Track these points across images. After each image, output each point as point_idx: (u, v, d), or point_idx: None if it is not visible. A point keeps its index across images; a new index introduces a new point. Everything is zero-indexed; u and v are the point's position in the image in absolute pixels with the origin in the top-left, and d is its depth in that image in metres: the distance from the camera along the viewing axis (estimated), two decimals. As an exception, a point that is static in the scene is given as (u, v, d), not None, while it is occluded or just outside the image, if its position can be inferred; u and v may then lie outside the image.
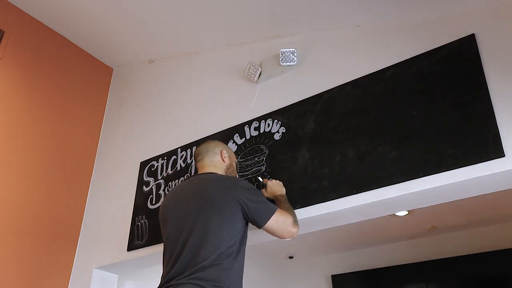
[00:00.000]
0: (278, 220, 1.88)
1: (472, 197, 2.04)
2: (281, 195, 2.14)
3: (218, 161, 2.11)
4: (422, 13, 2.31)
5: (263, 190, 2.21)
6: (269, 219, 1.86)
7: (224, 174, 2.09)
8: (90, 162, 3.40)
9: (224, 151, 2.15)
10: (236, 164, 2.24)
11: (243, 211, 1.85)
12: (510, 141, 1.81)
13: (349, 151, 2.20)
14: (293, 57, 2.60)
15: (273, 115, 2.58)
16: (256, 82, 2.76)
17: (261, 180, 2.35)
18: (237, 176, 2.21)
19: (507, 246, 4.17)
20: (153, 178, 2.94)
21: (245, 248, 1.88)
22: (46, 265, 2.90)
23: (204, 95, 3.06)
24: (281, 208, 1.96)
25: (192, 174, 2.29)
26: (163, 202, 2.10)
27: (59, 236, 3.03)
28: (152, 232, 2.73)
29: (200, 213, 1.83)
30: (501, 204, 3.87)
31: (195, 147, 2.83)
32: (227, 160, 2.14)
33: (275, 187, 2.18)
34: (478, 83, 1.96)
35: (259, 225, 1.88)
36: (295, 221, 1.94)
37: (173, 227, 1.90)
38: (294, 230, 1.91)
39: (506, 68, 1.94)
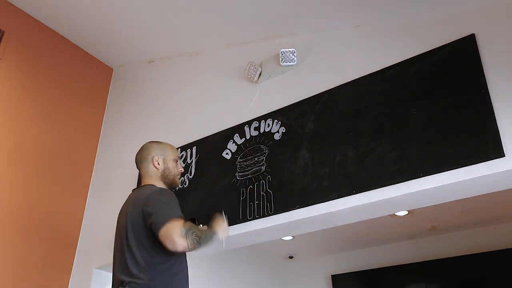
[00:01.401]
0: (168, 229, 1.78)
1: (472, 197, 2.04)
2: (214, 232, 1.95)
3: (152, 170, 2.12)
4: (422, 13, 2.31)
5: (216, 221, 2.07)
6: (160, 228, 1.80)
7: (160, 181, 2.10)
8: (90, 162, 3.40)
9: (156, 156, 2.13)
10: (176, 159, 2.18)
11: (146, 224, 1.88)
12: (510, 141, 1.81)
13: (349, 151, 2.20)
14: (293, 57, 2.61)
15: (273, 115, 2.58)
16: (256, 82, 2.76)
17: (224, 215, 2.12)
18: (179, 170, 2.17)
19: (507, 246, 4.17)
20: (153, 178, 2.93)
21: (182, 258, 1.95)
22: (46, 265, 2.90)
23: (204, 95, 3.07)
24: (189, 224, 1.85)
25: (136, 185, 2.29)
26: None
27: (59, 236, 3.03)
28: (152, 232, 2.73)
29: (126, 234, 1.95)
30: (501, 204, 3.87)
31: (195, 147, 2.84)
32: (160, 165, 2.12)
33: (219, 224, 2.00)
34: (478, 83, 1.96)
35: (156, 234, 1.83)
36: (187, 234, 1.77)
37: (116, 238, 2.11)
38: (178, 240, 1.75)
39: (506, 68, 1.94)
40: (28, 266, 2.80)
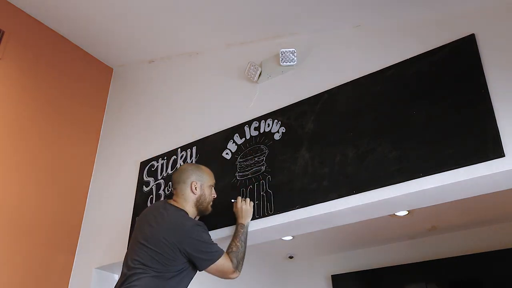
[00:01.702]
0: (218, 267, 2.04)
1: (472, 197, 2.04)
2: (241, 224, 2.24)
3: (188, 195, 2.19)
4: (422, 13, 2.31)
5: (234, 206, 2.34)
6: (209, 266, 2.03)
7: (193, 207, 2.19)
8: (90, 162, 3.40)
9: (195, 182, 2.21)
10: (212, 185, 2.29)
11: (185, 257, 2.03)
12: (510, 141, 1.81)
13: (349, 151, 2.20)
14: (293, 57, 2.61)
15: (273, 115, 2.58)
16: (256, 82, 2.76)
17: (233, 201, 2.37)
18: (213, 197, 2.28)
19: (507, 246, 4.16)
20: (153, 178, 2.94)
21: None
22: (46, 265, 2.90)
23: (204, 95, 3.07)
24: (230, 248, 2.12)
25: (166, 197, 2.41)
26: (142, 213, 2.27)
27: (59, 236, 3.03)
28: (152, 232, 2.73)
29: (146, 247, 2.04)
30: (501, 204, 3.87)
31: (195, 147, 2.84)
32: (198, 191, 2.20)
33: (241, 212, 2.28)
34: (478, 83, 1.96)
35: (199, 269, 2.08)
36: (238, 265, 2.08)
37: (131, 245, 2.15)
38: (233, 276, 2.07)
39: (506, 68, 1.94)
40: (28, 266, 2.80)
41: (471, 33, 2.08)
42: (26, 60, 3.17)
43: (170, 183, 2.36)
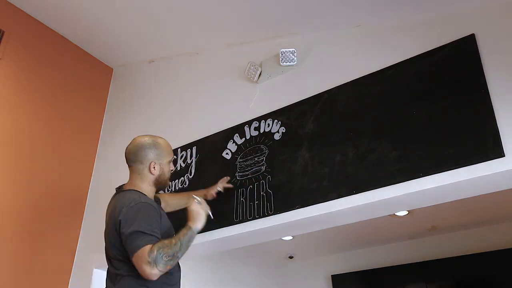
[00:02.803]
0: (137, 258, 1.74)
1: (472, 197, 2.04)
2: (187, 227, 1.89)
3: (146, 174, 2.03)
4: (422, 13, 2.31)
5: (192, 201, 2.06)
6: (133, 255, 1.76)
7: (151, 185, 2.04)
8: (90, 162, 3.40)
9: (154, 162, 2.04)
10: (171, 161, 2.14)
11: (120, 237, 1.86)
12: (510, 141, 1.81)
13: (349, 151, 2.20)
14: (293, 57, 2.61)
15: (273, 115, 2.58)
16: (256, 82, 2.76)
17: (194, 197, 2.06)
18: (171, 170, 2.14)
19: (507, 246, 4.17)
20: (153, 178, 2.93)
21: None
22: (46, 265, 2.90)
23: (204, 95, 3.07)
24: (160, 243, 1.77)
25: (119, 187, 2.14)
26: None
27: (59, 236, 3.03)
28: (152, 232, 2.73)
29: (108, 237, 1.94)
30: (501, 204, 3.87)
31: (195, 147, 2.84)
32: (156, 170, 2.04)
33: (190, 214, 1.95)
34: (478, 83, 1.96)
35: (130, 257, 1.80)
36: (156, 260, 1.72)
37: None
38: (147, 270, 1.72)
39: (506, 68, 1.94)
40: (28, 265, 2.80)
41: (471, 33, 2.08)
42: (26, 60, 3.17)
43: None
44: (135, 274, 1.78)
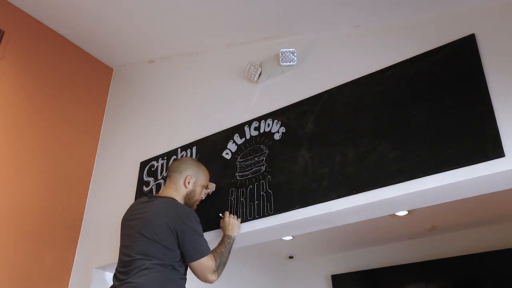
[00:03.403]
0: (202, 264, 1.96)
1: (472, 197, 2.04)
2: (228, 236, 2.22)
3: (180, 186, 2.17)
4: (422, 13, 2.31)
5: (221, 221, 2.33)
6: (198, 259, 1.96)
7: (182, 200, 2.17)
8: (90, 162, 3.40)
9: (190, 176, 2.20)
10: (205, 186, 2.30)
11: (177, 242, 1.97)
12: (510, 141, 1.81)
13: (349, 151, 2.20)
14: (293, 57, 2.61)
15: (273, 115, 2.58)
16: (256, 82, 2.76)
17: (221, 215, 2.37)
18: (201, 197, 2.29)
19: (507, 246, 4.17)
20: (153, 178, 2.94)
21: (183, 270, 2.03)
22: (46, 265, 2.90)
23: (204, 95, 3.07)
24: (214, 252, 2.05)
25: (154, 194, 2.32)
26: (125, 213, 2.21)
27: (59, 236, 3.03)
28: (152, 232, 2.73)
29: (140, 237, 1.99)
30: (501, 204, 3.87)
31: (195, 147, 2.84)
32: (190, 186, 2.19)
33: (227, 225, 2.26)
34: (478, 83, 1.96)
35: (186, 262, 1.99)
36: (218, 268, 2.01)
37: (124, 242, 2.10)
38: (211, 278, 1.98)
39: (506, 68, 1.94)
40: (28, 266, 2.80)
41: (471, 33, 2.08)
42: (26, 60, 3.17)
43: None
44: (164, 269, 1.92)
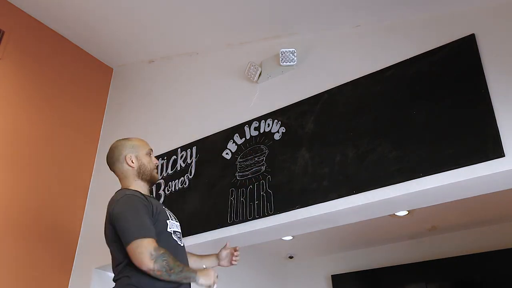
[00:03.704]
0: (132, 249, 1.75)
1: (472, 197, 2.04)
2: (194, 271, 1.86)
3: (127, 170, 2.03)
4: (422, 13, 2.31)
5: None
6: (128, 244, 1.76)
7: (138, 180, 2.02)
8: (90, 162, 3.40)
9: (129, 155, 2.03)
10: (149, 153, 2.10)
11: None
12: (510, 141, 1.81)
13: (349, 151, 2.20)
14: (293, 57, 2.60)
15: (273, 115, 2.58)
16: (256, 82, 2.76)
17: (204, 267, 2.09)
18: (154, 163, 2.09)
19: (507, 246, 4.16)
20: (153, 178, 2.93)
21: None
22: (46, 265, 2.90)
23: (204, 95, 3.07)
24: (166, 251, 1.78)
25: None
26: None
27: (59, 236, 3.03)
28: (152, 232, 2.73)
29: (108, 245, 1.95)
30: (501, 204, 3.87)
31: (195, 147, 2.84)
32: (135, 162, 2.03)
33: (206, 271, 1.90)
34: (478, 83, 1.96)
35: (124, 245, 1.81)
36: (156, 260, 1.71)
37: None
38: (147, 261, 1.71)
39: (506, 68, 1.94)
40: (28, 266, 2.80)
41: (471, 33, 2.08)
42: (26, 60, 3.17)
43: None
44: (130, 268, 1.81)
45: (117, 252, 1.89)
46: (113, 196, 1.98)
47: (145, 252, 1.72)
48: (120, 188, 2.03)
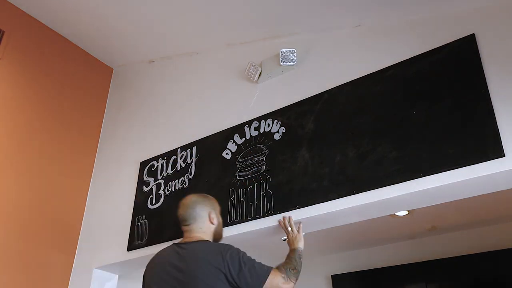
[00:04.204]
0: (272, 280, 1.90)
1: (472, 197, 2.04)
2: (292, 250, 2.21)
3: (208, 227, 2.04)
4: (422, 13, 2.31)
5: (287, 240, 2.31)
6: (264, 282, 1.88)
7: (211, 237, 2.04)
8: (90, 162, 3.40)
9: (212, 212, 2.07)
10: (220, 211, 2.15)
11: (229, 281, 1.83)
12: (510, 141, 1.81)
13: (349, 151, 2.20)
14: (293, 57, 2.60)
15: (273, 115, 2.58)
16: (256, 82, 2.76)
17: (284, 239, 2.34)
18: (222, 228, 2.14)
19: (507, 246, 4.16)
20: (153, 178, 2.94)
21: None
22: (46, 265, 2.90)
23: (204, 95, 3.06)
24: (281, 265, 2.04)
25: (178, 241, 2.06)
26: (147, 267, 2.04)
27: (59, 236, 3.03)
28: (152, 232, 2.73)
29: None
30: (501, 204, 3.87)
31: (195, 147, 2.83)
32: (215, 220, 2.06)
33: (291, 242, 2.26)
34: (478, 83, 1.96)
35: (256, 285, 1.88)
36: (290, 275, 1.98)
37: None
38: (286, 285, 1.94)
39: (506, 68, 1.94)
40: (28, 266, 2.80)
41: (471, 33, 2.08)
42: (26, 60, 3.17)
43: (179, 219, 2.08)
44: None
45: None
46: (209, 247, 1.93)
47: (280, 280, 1.93)
48: (198, 239, 1.98)
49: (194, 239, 1.98)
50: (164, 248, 2.07)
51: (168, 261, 1.94)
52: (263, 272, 1.90)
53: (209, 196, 2.18)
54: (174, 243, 2.03)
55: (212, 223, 2.05)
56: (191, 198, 2.12)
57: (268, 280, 1.88)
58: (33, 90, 3.15)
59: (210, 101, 3.00)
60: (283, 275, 1.95)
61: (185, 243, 1.98)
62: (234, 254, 1.87)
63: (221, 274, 1.81)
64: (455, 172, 1.88)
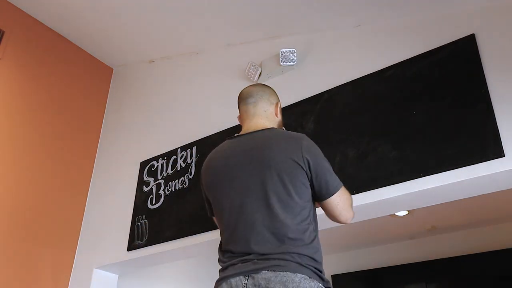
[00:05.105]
0: (343, 196, 1.55)
1: (472, 197, 2.04)
2: None
3: (271, 113, 1.71)
4: (422, 13, 2.31)
5: None
6: (336, 192, 1.52)
7: None
8: (90, 162, 3.40)
9: (279, 104, 1.76)
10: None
11: (308, 177, 1.51)
12: (510, 141, 1.81)
13: (349, 151, 2.20)
14: (293, 57, 2.60)
15: (273, 115, 2.58)
16: (256, 82, 2.76)
17: None
18: None
19: (507, 246, 4.17)
20: (153, 178, 2.94)
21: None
22: (46, 265, 2.90)
23: (204, 95, 3.06)
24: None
25: (238, 133, 1.75)
26: (207, 166, 1.77)
27: (59, 236, 3.03)
28: (152, 232, 2.73)
29: (266, 181, 1.49)
30: (501, 204, 3.87)
31: (195, 147, 2.83)
32: (279, 115, 1.75)
33: None
34: (478, 83, 1.96)
35: (325, 196, 1.53)
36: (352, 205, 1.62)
37: (233, 196, 1.56)
38: (352, 213, 1.60)
39: (506, 68, 1.94)
40: (28, 266, 2.80)
41: (471, 33, 2.08)
42: (26, 60, 3.17)
43: (239, 98, 1.77)
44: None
45: (295, 201, 1.46)
46: (270, 133, 1.59)
47: (351, 201, 1.54)
48: (264, 127, 1.63)
49: (260, 128, 1.63)
50: (220, 146, 1.77)
51: (233, 153, 1.60)
52: (338, 183, 1.56)
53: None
54: (230, 137, 1.68)
55: (277, 115, 1.74)
56: (262, 84, 1.84)
57: (343, 192, 1.55)
58: (33, 90, 3.15)
59: (210, 101, 3.00)
60: (352, 201, 1.59)
61: (249, 133, 1.63)
62: (314, 149, 1.56)
63: (302, 167, 1.50)
64: (455, 172, 1.88)
